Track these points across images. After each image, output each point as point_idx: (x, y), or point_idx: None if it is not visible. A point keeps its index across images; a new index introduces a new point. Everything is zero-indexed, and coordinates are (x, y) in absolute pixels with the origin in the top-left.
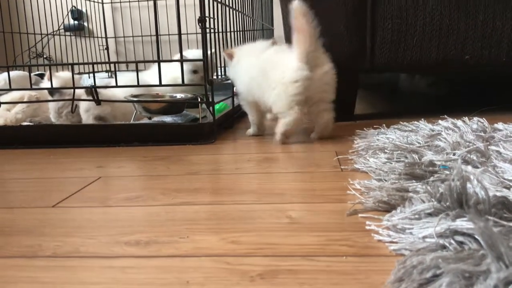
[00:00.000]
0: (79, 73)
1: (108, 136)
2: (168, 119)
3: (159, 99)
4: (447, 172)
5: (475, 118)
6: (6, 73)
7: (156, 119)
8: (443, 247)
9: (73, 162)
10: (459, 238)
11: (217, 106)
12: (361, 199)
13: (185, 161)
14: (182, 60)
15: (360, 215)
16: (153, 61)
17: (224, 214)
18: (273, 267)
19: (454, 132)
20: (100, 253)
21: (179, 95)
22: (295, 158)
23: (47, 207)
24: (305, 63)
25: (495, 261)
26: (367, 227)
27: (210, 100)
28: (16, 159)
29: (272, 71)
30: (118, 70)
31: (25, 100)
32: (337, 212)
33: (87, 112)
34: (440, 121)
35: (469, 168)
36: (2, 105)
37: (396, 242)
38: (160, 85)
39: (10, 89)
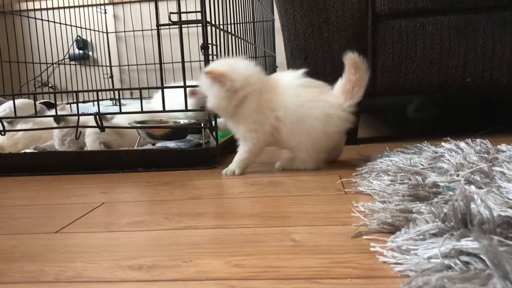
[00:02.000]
0: (84, 101)
1: (112, 162)
2: (171, 144)
3: (162, 124)
4: (451, 193)
5: (478, 140)
6: (11, 101)
7: (160, 144)
8: (449, 267)
9: (77, 188)
10: (465, 258)
11: (220, 132)
12: (365, 221)
13: (189, 186)
14: (185, 86)
15: (364, 237)
16: (157, 88)
17: (227, 238)
18: None
19: (457, 153)
20: (103, 277)
21: (182, 121)
22: (299, 181)
23: (50, 233)
24: (351, 114)
25: (501, 280)
26: (372, 249)
27: (214, 125)
28: (21, 186)
29: (304, 114)
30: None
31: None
32: (341, 234)
33: (95, 135)
34: (443, 143)
35: (473, 188)
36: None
37: (401, 263)
38: (164, 111)
39: (16, 117)
